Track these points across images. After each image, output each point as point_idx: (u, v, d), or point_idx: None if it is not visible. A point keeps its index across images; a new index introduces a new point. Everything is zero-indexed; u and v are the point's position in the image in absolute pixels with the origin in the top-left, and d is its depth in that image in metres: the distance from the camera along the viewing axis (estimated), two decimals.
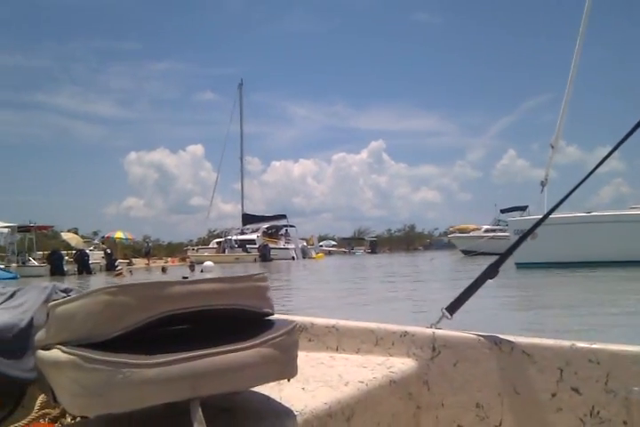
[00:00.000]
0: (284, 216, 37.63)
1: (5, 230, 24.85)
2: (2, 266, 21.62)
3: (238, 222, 39.55)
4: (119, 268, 23.01)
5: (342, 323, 1.60)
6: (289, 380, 1.09)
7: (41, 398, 1.56)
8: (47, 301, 1.92)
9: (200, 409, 0.94)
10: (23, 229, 25.37)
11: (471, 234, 29.77)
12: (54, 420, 1.54)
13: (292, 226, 37.70)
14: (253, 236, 36.08)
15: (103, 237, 34.33)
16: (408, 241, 58.08)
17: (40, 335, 1.21)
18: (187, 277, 1.05)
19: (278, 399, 1.17)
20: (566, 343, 1.23)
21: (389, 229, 62.71)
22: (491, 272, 1.43)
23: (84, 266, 23.72)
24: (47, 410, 1.54)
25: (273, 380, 1.05)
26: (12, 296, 2.02)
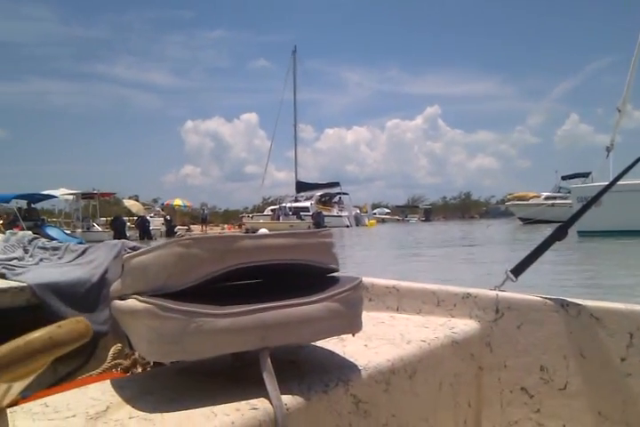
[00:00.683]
0: (337, 184, 37.60)
1: (70, 197, 25.96)
2: (68, 231, 22.67)
3: (292, 190, 39.89)
4: (179, 233, 23.75)
5: (403, 284, 1.60)
6: (353, 335, 1.10)
7: (113, 349, 1.64)
8: (117, 257, 2.00)
9: (269, 359, 0.96)
10: (87, 196, 26.42)
11: (530, 202, 28.95)
12: (126, 370, 1.61)
13: (345, 193, 37.71)
14: (307, 203, 36.31)
15: (163, 204, 35.41)
16: (463, 209, 57.12)
17: (115, 286, 1.27)
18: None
19: (342, 354, 1.18)
20: (637, 308, 1.19)
21: (444, 197, 61.77)
22: (560, 234, 1.39)
23: (145, 232, 24.61)
24: (119, 360, 1.62)
25: (338, 334, 1.07)
26: (83, 253, 2.12)
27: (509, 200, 33.43)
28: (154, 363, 1.50)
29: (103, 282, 1.90)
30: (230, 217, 46.68)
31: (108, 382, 1.18)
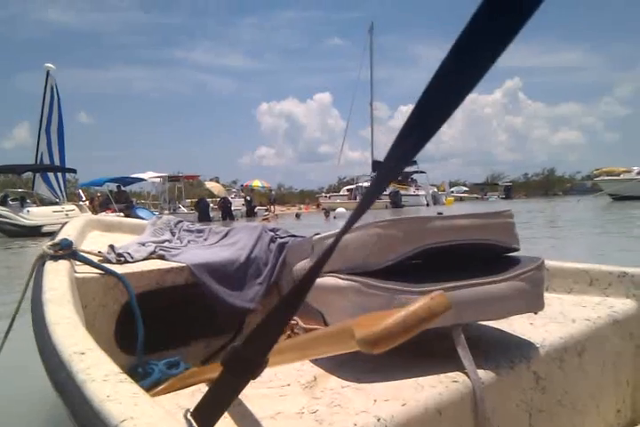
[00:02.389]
0: (414, 162, 37.05)
1: (157, 180, 27.12)
2: (156, 213, 23.72)
3: (366, 169, 39.76)
4: (266, 213, 24.33)
5: (552, 263, 1.61)
6: (536, 313, 1.14)
7: None
8: (258, 239, 2.13)
9: (462, 335, 1.03)
10: (173, 179, 27.53)
11: (621, 177, 27.38)
12: None
13: (422, 172, 37.17)
14: None
15: (242, 186, 36.32)
16: (546, 186, 54.78)
17: (302, 266, 1.37)
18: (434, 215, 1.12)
19: (512, 332, 1.23)
20: None
21: (526, 174, 59.39)
22: None
23: (227, 212, 25.38)
24: None
25: (523, 312, 1.11)
26: (226, 235, 2.27)
27: (597, 176, 31.77)
28: None
29: (249, 262, 2.03)
30: (306, 197, 47.19)
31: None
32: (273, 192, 37.52)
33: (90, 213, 19.28)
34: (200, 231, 2.30)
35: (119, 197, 23.51)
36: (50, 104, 22.52)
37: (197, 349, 1.95)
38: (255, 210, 29.35)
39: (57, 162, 22.56)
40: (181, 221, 2.39)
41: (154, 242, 2.08)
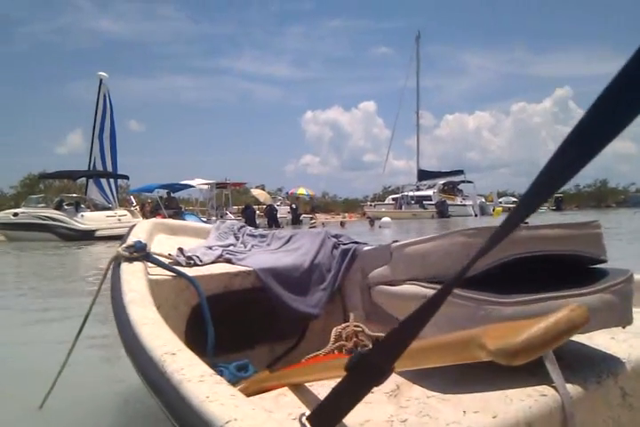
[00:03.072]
0: (461, 172, 36.61)
1: (205, 187, 27.63)
2: (204, 219, 24.14)
3: (410, 178, 39.45)
4: (313, 222, 24.41)
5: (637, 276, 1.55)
6: (624, 327, 1.10)
7: (335, 332, 1.76)
8: (322, 245, 2.14)
9: (551, 349, 1.00)
10: (220, 186, 27.99)
11: None
12: (350, 351, 1.73)
13: (469, 182, 36.58)
14: (429, 192, 35.74)
15: (287, 193, 36.62)
16: (599, 197, 53.02)
17: (380, 272, 1.37)
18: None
19: (595, 347, 1.19)
20: None
21: (577, 185, 57.55)
22: None
23: (272, 220, 25.61)
24: (342, 342, 1.74)
25: (612, 326, 1.07)
26: (289, 240, 2.29)
27: None
28: None
29: (313, 268, 2.04)
30: (350, 206, 47.14)
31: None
32: (314, 200, 37.62)
33: (141, 218, 19.80)
34: (263, 236, 2.33)
35: (169, 204, 24.04)
36: (103, 111, 23.30)
37: (261, 352, 1.97)
38: (300, 218, 29.52)
39: (109, 168, 23.28)
40: (244, 226, 2.43)
41: (220, 246, 2.12)
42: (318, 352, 1.65)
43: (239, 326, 1.88)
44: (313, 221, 24.85)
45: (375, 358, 0.63)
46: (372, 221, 23.96)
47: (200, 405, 0.72)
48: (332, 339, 1.69)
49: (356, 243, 2.12)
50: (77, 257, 12.47)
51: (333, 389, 0.65)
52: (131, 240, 1.84)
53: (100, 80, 23.62)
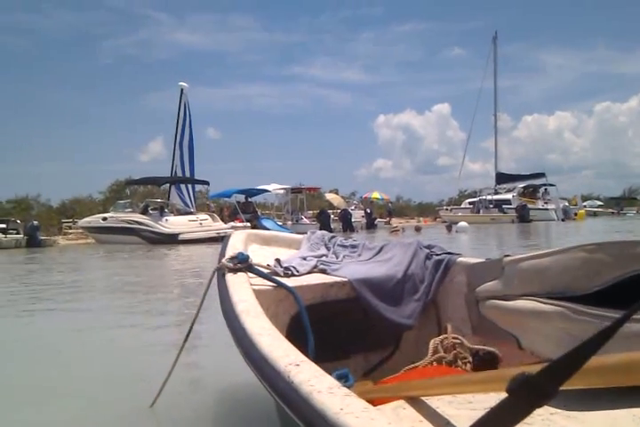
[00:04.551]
0: (542, 174, 35.18)
1: (281, 192, 28.16)
2: (280, 223, 24.58)
3: (487, 182, 38.37)
4: (395, 226, 24.24)
5: None
6: None
7: (433, 343, 1.76)
8: (414, 255, 2.15)
9: None
10: (295, 191, 28.46)
11: None
12: (449, 363, 1.73)
13: (551, 185, 35.12)
14: (508, 195, 34.62)
15: (361, 197, 36.58)
16: None
17: (491, 287, 1.37)
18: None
19: None
20: None
21: None
22: None
23: (347, 224, 25.68)
24: (441, 354, 1.74)
25: None
26: (380, 251, 2.31)
27: None
28: (486, 361, 1.59)
29: (406, 278, 2.05)
30: (424, 210, 46.43)
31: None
32: (390, 204, 37.25)
33: (221, 222, 20.44)
34: (354, 247, 2.36)
35: (246, 208, 24.69)
36: (183, 120, 24.32)
37: (357, 361, 2.00)
38: (375, 222, 29.42)
39: (187, 174, 24.24)
40: (335, 236, 2.47)
41: (313, 256, 2.17)
42: (417, 364, 1.66)
43: (335, 335, 1.92)
44: (395, 226, 24.59)
45: (541, 380, 0.62)
46: (449, 226, 23.46)
47: (335, 417, 0.74)
48: (430, 350, 1.69)
49: (449, 253, 2.12)
50: (170, 260, 13.04)
51: (493, 409, 0.65)
52: (232, 252, 1.93)
53: (181, 90, 24.69)
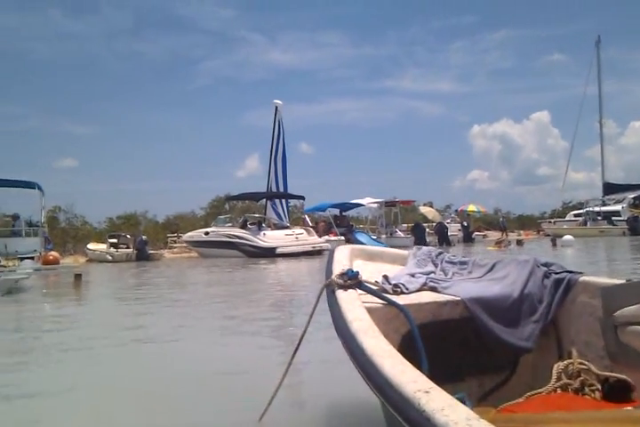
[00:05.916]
0: None
1: (375, 205, 28.14)
2: (374, 237, 24.51)
3: (594, 192, 36.15)
4: (501, 238, 23.44)
5: None
6: None
7: (556, 369, 1.64)
8: (530, 274, 2.03)
9: None
10: (389, 204, 28.34)
11: None
12: (576, 391, 1.60)
13: None
14: (618, 207, 32.42)
15: (456, 210, 35.70)
16: None
17: (634, 311, 1.26)
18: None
19: None
20: None
21: None
22: None
23: (444, 238, 25.12)
24: (566, 381, 1.62)
25: None
26: (492, 268, 2.21)
27: None
28: (617, 390, 1.46)
29: (523, 298, 1.93)
30: (525, 222, 44.46)
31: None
32: (502, 218, 35.82)
33: (316, 236, 20.70)
34: (463, 263, 2.27)
35: (340, 222, 24.88)
36: (277, 136, 25.06)
37: (471, 385, 1.91)
38: (472, 235, 28.57)
39: (281, 188, 24.90)
40: (442, 253, 2.39)
41: (421, 273, 2.11)
42: (539, 390, 1.55)
43: (448, 356, 1.84)
44: (500, 238, 23.67)
45: None
46: (554, 239, 22.27)
47: None
48: (553, 376, 1.58)
49: (570, 272, 1.98)
50: (274, 272, 13.39)
51: None
52: (339, 267, 1.91)
53: (276, 107, 25.51)
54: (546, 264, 2.04)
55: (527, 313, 1.91)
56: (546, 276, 1.99)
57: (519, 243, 23.23)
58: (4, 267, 10.37)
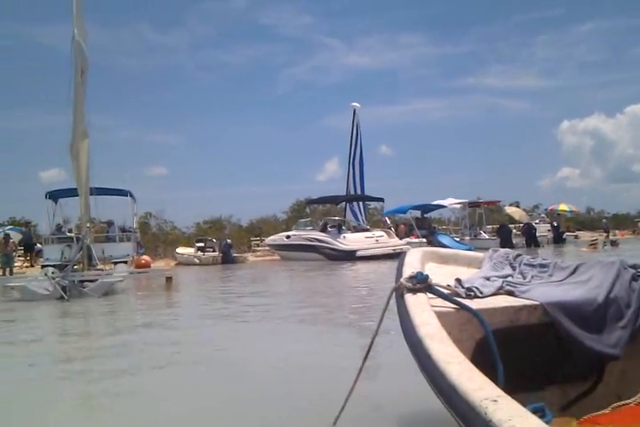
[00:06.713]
0: None
1: (458, 206, 27.49)
2: (457, 238, 23.93)
3: None
4: (595, 238, 22.29)
5: None
6: None
7: None
8: (617, 277, 1.90)
9: None
10: (473, 205, 27.56)
11: None
12: None
13: None
14: None
15: (546, 210, 34.16)
16: None
17: None
18: None
19: None
20: None
21: None
22: None
23: (531, 239, 24.14)
24: None
25: None
26: (575, 271, 2.08)
27: None
28: None
29: (608, 302, 1.81)
30: (620, 222, 41.81)
31: None
32: (605, 220, 33.93)
33: (397, 239, 20.49)
34: (543, 266, 2.16)
35: (421, 224, 24.47)
36: (355, 139, 25.07)
37: (551, 394, 1.81)
38: (563, 236, 27.26)
39: (358, 191, 24.87)
40: (520, 255, 2.29)
41: (498, 276, 2.03)
42: (628, 400, 1.45)
43: (526, 363, 1.76)
44: (594, 238, 22.43)
45: None
46: None
47: None
48: None
49: None
50: (356, 275, 13.44)
51: None
52: (409, 270, 1.87)
53: (354, 110, 25.52)
54: (634, 266, 1.91)
55: (614, 318, 1.79)
56: (634, 279, 1.86)
57: (614, 243, 21.89)
58: (101, 271, 11.02)
